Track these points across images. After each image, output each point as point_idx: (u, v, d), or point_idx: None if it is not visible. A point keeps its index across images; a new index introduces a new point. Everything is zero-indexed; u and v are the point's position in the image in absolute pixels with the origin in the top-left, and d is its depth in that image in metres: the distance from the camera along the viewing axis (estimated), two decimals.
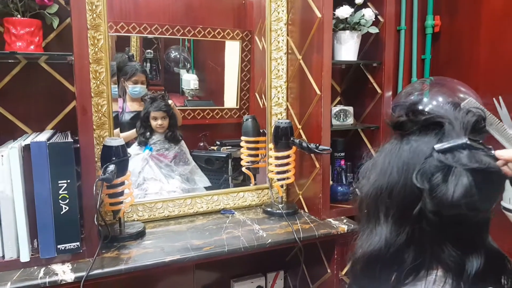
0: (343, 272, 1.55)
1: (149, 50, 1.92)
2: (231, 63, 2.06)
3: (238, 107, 2.06)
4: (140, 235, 1.41)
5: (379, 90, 1.60)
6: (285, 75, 1.66)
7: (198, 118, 2.00)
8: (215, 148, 2.02)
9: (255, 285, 1.81)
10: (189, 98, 2.01)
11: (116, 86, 1.73)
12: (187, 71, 2.02)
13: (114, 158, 1.28)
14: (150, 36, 1.89)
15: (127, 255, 1.27)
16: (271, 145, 1.60)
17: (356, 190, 0.76)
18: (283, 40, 1.65)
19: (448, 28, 1.82)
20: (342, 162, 1.71)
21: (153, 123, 1.82)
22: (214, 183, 1.89)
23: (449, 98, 1.52)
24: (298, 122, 1.63)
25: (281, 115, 1.68)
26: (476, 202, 0.59)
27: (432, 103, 1.49)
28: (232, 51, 2.04)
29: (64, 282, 1.12)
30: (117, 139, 1.31)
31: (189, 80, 2.01)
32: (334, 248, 1.52)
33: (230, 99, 2.09)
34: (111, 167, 1.24)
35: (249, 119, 1.75)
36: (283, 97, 1.67)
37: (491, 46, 1.66)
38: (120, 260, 1.23)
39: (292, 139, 1.53)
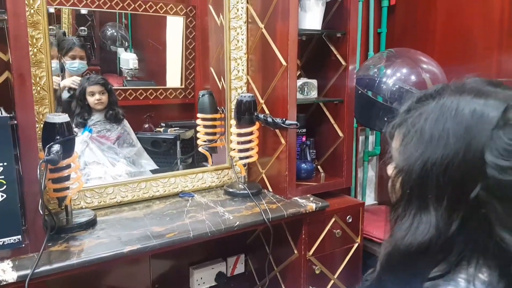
0: (311, 253, 1.53)
1: (82, 28, 1.75)
2: (173, 40, 1.95)
3: (183, 86, 1.96)
4: (91, 224, 1.28)
5: (343, 62, 1.58)
6: (245, 46, 1.58)
7: (141, 98, 1.87)
8: (161, 130, 1.91)
9: (216, 271, 1.75)
10: (128, 78, 1.88)
11: (56, 61, 1.56)
12: (125, 50, 1.88)
13: (58, 137, 1.13)
14: (84, 10, 1.72)
15: (78, 247, 1.14)
16: (232, 121, 1.52)
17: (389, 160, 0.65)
18: (242, 8, 1.56)
19: (404, 1, 1.85)
20: (304, 138, 1.69)
21: (90, 99, 1.66)
22: (162, 167, 1.79)
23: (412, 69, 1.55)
24: (260, 96, 1.57)
25: (242, 89, 1.61)
26: None
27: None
28: (175, 27, 1.93)
29: (5, 283, 0.97)
30: (61, 115, 1.16)
31: (128, 60, 1.87)
32: (301, 227, 1.50)
33: (174, 78, 1.99)
34: (56, 147, 1.09)
35: (206, 95, 1.66)
36: (243, 70, 1.60)
37: (447, 16, 1.71)
38: (71, 254, 1.10)
39: (256, 114, 1.46)
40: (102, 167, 1.68)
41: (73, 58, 1.66)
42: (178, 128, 1.89)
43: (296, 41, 1.41)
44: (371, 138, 2.06)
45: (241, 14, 1.56)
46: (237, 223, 1.31)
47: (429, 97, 0.61)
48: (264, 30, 1.51)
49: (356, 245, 1.65)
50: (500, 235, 0.54)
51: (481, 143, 0.53)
